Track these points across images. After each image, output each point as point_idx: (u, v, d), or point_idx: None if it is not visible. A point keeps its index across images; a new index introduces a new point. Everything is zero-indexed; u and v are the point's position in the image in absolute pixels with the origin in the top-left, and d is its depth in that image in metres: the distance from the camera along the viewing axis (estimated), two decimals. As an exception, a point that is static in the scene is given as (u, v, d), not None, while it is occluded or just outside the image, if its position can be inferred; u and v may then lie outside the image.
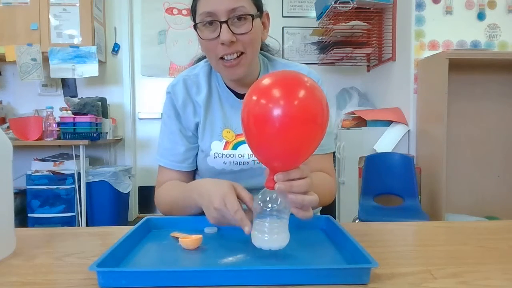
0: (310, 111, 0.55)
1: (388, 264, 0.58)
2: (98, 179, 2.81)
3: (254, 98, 0.56)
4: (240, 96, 0.93)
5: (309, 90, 0.56)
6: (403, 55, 2.64)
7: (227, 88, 0.94)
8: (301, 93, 0.55)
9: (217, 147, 0.92)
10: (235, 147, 0.92)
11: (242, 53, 0.83)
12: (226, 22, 0.79)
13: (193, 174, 0.99)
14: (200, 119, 0.94)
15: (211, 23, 0.81)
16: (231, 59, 0.83)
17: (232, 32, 0.80)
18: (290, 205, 0.61)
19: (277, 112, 0.53)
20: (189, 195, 0.78)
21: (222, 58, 0.83)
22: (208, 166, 0.93)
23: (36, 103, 3.20)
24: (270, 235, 0.58)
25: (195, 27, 0.84)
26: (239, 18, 0.80)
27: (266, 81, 0.57)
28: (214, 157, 0.92)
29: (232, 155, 0.92)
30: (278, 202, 0.59)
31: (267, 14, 0.91)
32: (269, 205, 0.59)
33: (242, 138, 0.91)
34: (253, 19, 0.82)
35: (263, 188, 0.61)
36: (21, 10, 2.91)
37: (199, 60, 1.03)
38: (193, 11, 0.86)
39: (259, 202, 0.60)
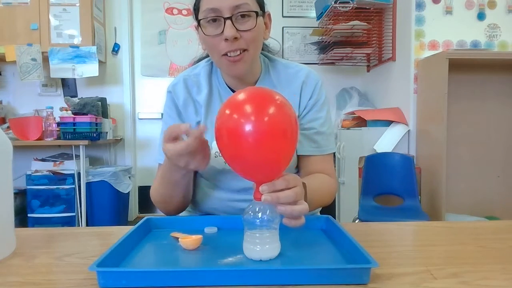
0: (279, 127, 0.57)
1: (388, 264, 0.58)
2: (98, 179, 2.81)
3: (227, 112, 0.59)
4: None
5: (278, 106, 0.58)
6: (403, 55, 2.64)
7: (228, 88, 0.94)
8: (271, 109, 0.57)
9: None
10: None
11: (244, 50, 0.84)
12: (230, 18, 0.80)
13: (192, 173, 0.99)
14: (201, 119, 0.94)
15: (214, 19, 0.81)
16: (234, 55, 0.83)
17: (236, 28, 0.81)
18: (280, 215, 0.61)
19: (248, 127, 0.56)
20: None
21: (225, 54, 0.84)
22: (209, 165, 0.93)
23: (36, 103, 3.20)
24: (261, 245, 0.59)
25: (198, 23, 0.84)
26: (243, 15, 0.81)
27: (240, 96, 0.60)
28: (215, 156, 0.92)
29: None
30: (267, 213, 0.60)
31: (269, 15, 0.92)
32: (259, 216, 0.60)
33: None
34: (256, 16, 0.83)
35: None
36: (21, 10, 2.91)
37: (199, 60, 1.03)
38: (195, 9, 0.87)
39: (250, 213, 0.60)
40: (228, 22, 0.80)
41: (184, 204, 0.95)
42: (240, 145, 0.57)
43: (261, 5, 0.86)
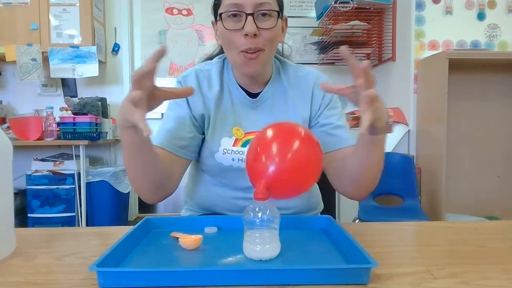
0: (304, 163, 0.64)
1: (388, 264, 0.58)
2: (98, 179, 2.81)
3: (258, 149, 0.65)
4: (251, 95, 0.94)
5: (303, 143, 0.65)
6: (403, 55, 2.64)
7: (238, 87, 0.95)
8: (296, 145, 0.64)
9: (226, 143, 0.92)
10: (244, 144, 0.92)
11: (261, 50, 0.84)
12: (252, 14, 0.81)
13: (187, 163, 0.93)
14: (210, 114, 0.92)
15: (235, 14, 0.83)
16: (250, 53, 0.84)
17: (256, 26, 0.82)
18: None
19: (272, 168, 0.61)
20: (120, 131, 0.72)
21: (243, 51, 0.84)
22: (216, 162, 0.93)
23: (36, 103, 3.19)
24: (261, 245, 0.59)
25: (220, 16, 0.85)
26: (264, 14, 0.83)
27: (268, 133, 0.66)
28: (223, 153, 0.92)
29: (241, 152, 0.91)
30: (267, 213, 0.60)
31: (286, 19, 0.94)
32: (259, 216, 0.60)
33: (251, 136, 0.91)
34: (277, 17, 0.84)
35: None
36: (21, 10, 2.90)
37: (210, 58, 1.04)
38: (216, 4, 0.88)
39: (250, 213, 0.60)
40: (250, 18, 0.81)
41: (157, 192, 0.89)
42: (270, 182, 0.62)
43: (281, 8, 0.88)
